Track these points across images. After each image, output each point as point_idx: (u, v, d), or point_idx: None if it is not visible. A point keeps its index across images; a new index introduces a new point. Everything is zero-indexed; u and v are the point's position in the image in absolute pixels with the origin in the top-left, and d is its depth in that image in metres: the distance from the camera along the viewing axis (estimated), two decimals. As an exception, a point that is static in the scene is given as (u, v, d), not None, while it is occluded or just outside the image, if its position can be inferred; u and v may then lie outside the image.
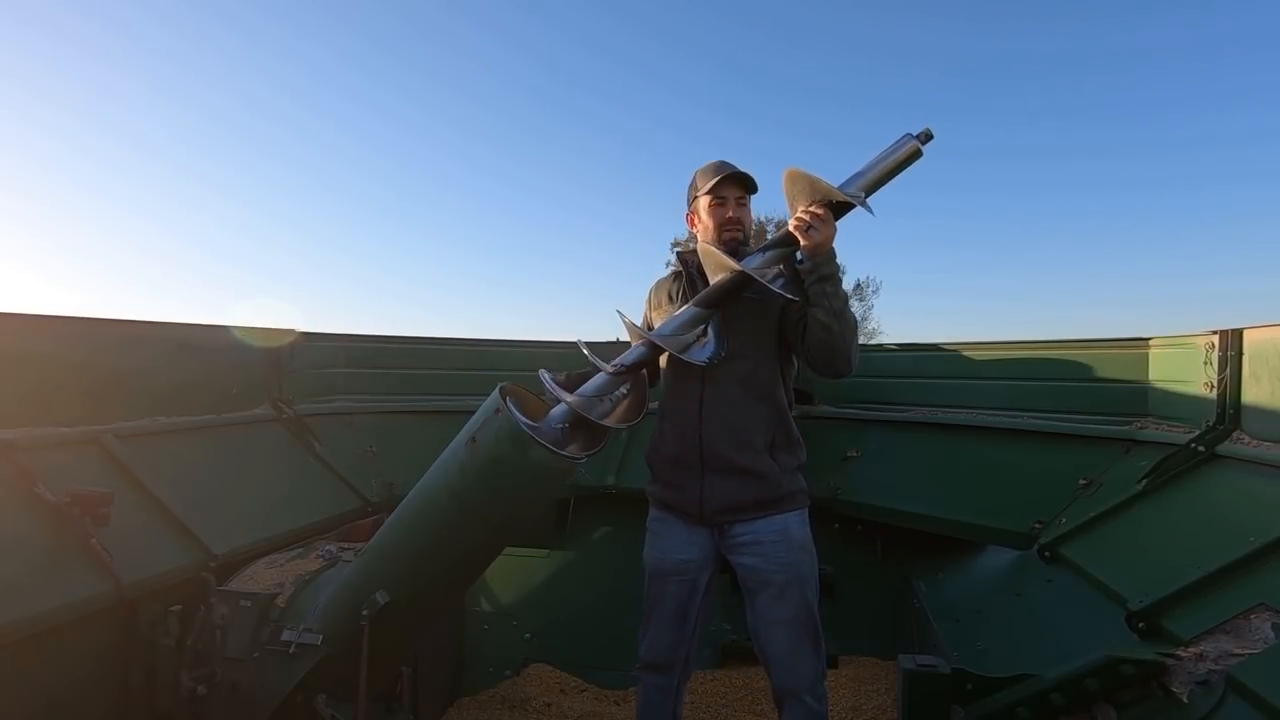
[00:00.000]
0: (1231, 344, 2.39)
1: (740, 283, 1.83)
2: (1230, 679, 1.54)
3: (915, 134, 1.78)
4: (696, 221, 2.15)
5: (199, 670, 2.08)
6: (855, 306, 27.76)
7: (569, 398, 1.81)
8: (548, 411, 1.90)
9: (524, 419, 1.75)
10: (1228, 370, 2.39)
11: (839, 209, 1.83)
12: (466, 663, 3.30)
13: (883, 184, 1.81)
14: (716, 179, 2.02)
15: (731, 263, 1.83)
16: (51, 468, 2.26)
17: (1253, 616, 1.70)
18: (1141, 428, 2.79)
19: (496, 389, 1.81)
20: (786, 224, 1.88)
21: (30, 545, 2.05)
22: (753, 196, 2.12)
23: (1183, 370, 2.67)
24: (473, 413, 1.89)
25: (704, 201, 2.07)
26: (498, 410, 1.77)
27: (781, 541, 2.00)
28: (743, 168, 2.06)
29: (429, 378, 4.03)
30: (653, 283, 2.32)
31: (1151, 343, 2.91)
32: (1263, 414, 2.27)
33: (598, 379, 1.88)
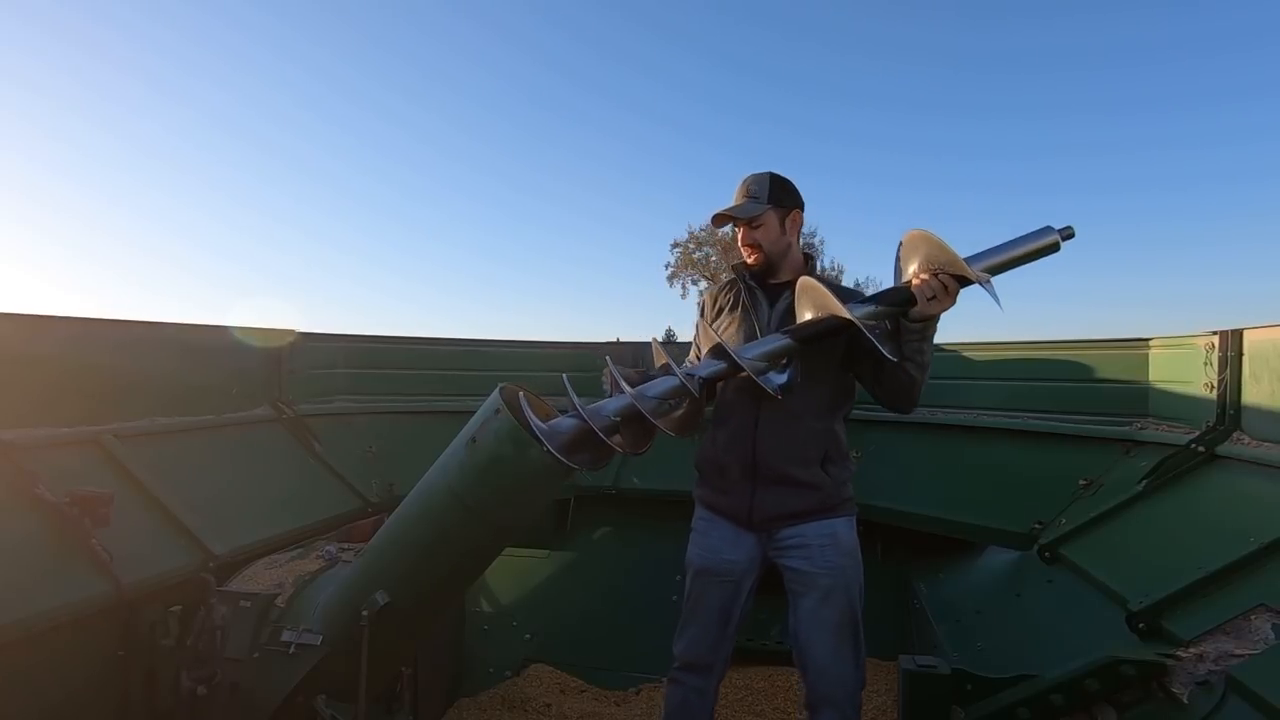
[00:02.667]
0: (1231, 344, 2.39)
1: (842, 328, 1.78)
2: (1230, 679, 1.54)
3: (1058, 229, 1.69)
4: None
5: (199, 671, 2.08)
6: None
7: (631, 391, 1.78)
8: (549, 413, 1.90)
9: (536, 421, 1.74)
10: (1228, 371, 2.40)
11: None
12: (466, 663, 3.30)
13: (1008, 269, 1.72)
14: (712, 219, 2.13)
15: (840, 308, 1.75)
16: (51, 468, 2.26)
17: (1253, 617, 1.70)
18: (1141, 428, 2.79)
19: (496, 389, 1.81)
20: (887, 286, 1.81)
21: (30, 545, 2.05)
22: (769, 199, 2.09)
23: (1183, 370, 2.67)
24: (473, 413, 1.89)
25: None
26: (497, 411, 1.77)
27: (830, 545, 2.02)
28: (751, 183, 2.09)
29: (429, 378, 4.04)
30: (704, 293, 2.35)
31: (1151, 343, 2.91)
32: (1263, 414, 2.27)
33: (666, 381, 1.82)
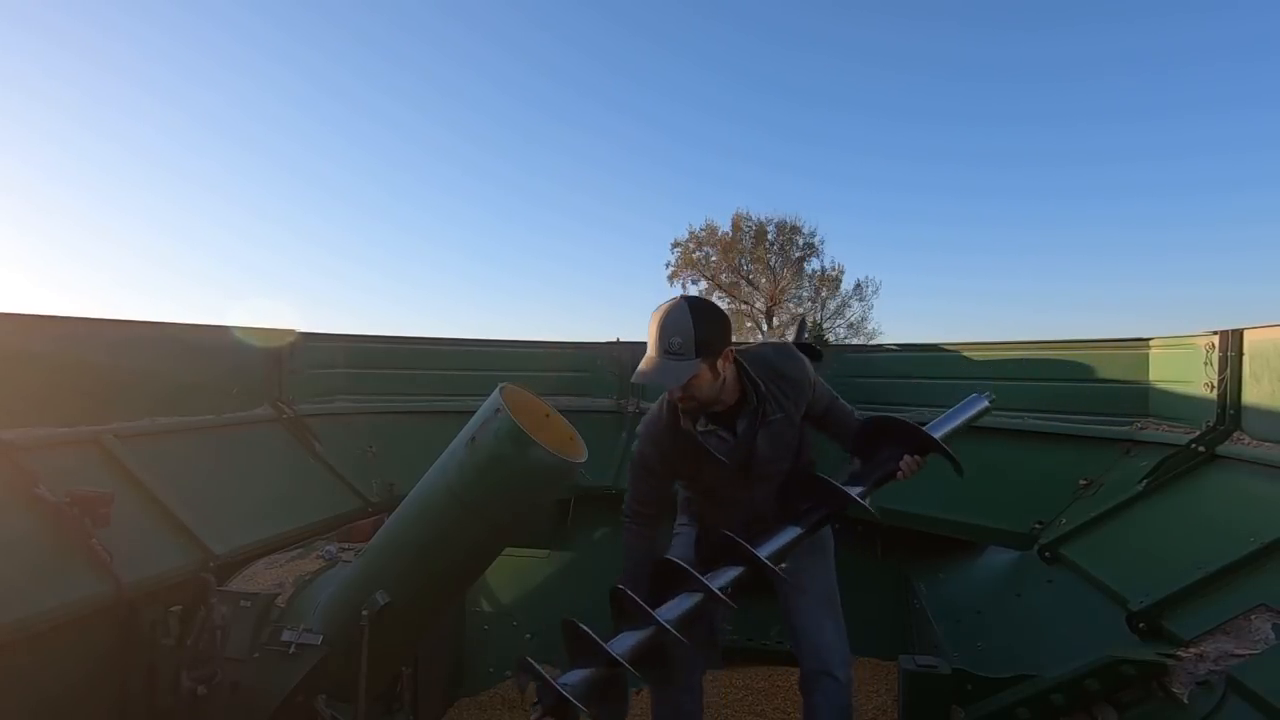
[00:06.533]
0: (1232, 344, 2.39)
1: (844, 506, 1.85)
2: (1230, 679, 1.54)
3: (985, 396, 2.07)
4: None
5: (199, 670, 2.08)
6: (855, 307, 27.06)
7: (663, 623, 1.71)
8: (548, 411, 1.91)
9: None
10: (1228, 371, 2.39)
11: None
12: (466, 663, 3.30)
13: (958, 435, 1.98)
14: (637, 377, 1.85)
15: (851, 497, 1.82)
16: (51, 468, 2.26)
17: (1253, 617, 1.70)
18: (1142, 428, 2.79)
19: (497, 389, 1.82)
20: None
21: (30, 545, 2.05)
22: None
23: (1183, 370, 2.67)
24: (473, 413, 1.89)
25: None
26: (497, 410, 1.77)
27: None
28: (672, 333, 1.76)
29: (429, 378, 4.04)
30: (640, 444, 2.03)
31: (1152, 343, 2.90)
32: (1263, 414, 2.26)
33: (688, 601, 1.75)
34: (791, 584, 2.02)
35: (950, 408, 3.41)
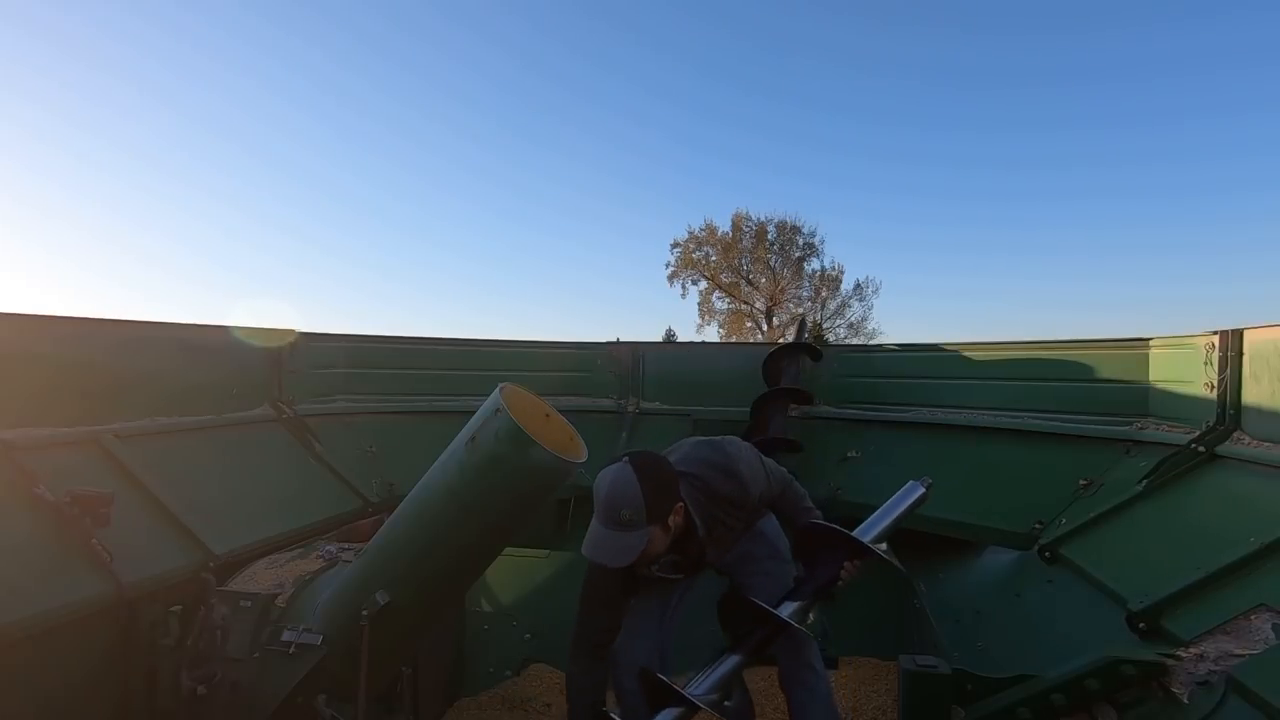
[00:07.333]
0: (1231, 344, 2.39)
1: (781, 629, 1.91)
2: (1231, 679, 1.54)
3: (921, 482, 2.10)
4: None
5: (199, 670, 2.08)
6: (855, 307, 27.10)
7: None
8: (548, 411, 1.91)
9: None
10: (1228, 371, 2.39)
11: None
12: (466, 663, 3.30)
13: (894, 529, 2.07)
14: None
15: (782, 619, 1.89)
16: (51, 468, 2.26)
17: (1253, 617, 1.70)
18: (1142, 428, 2.79)
19: (497, 389, 1.81)
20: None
21: (30, 545, 2.05)
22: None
23: (1183, 370, 2.67)
24: (473, 413, 1.89)
25: None
26: (497, 410, 1.77)
27: (758, 536, 2.18)
28: (622, 508, 1.75)
29: (429, 378, 4.04)
30: (601, 572, 1.97)
31: (1152, 343, 2.90)
32: (1263, 414, 2.26)
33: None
34: (759, 584, 2.11)
35: (947, 405, 3.45)
